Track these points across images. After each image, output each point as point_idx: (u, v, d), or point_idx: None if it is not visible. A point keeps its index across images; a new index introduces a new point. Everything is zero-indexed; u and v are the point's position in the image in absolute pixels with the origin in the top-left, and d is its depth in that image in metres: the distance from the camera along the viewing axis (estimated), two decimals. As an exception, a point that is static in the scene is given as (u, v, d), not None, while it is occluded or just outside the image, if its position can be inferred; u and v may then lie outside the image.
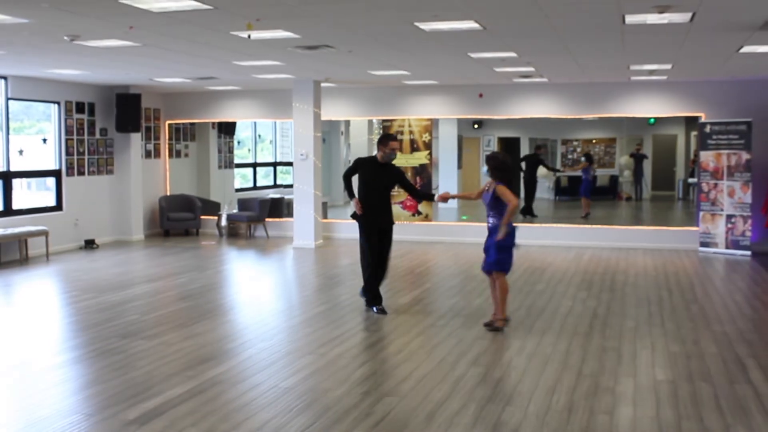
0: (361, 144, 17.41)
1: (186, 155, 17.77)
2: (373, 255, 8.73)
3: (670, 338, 7.69)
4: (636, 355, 7.04)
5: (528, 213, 16.87)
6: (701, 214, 14.01)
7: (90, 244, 14.83)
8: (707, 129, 13.90)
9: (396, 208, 16.00)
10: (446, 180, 18.00)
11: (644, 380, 6.25)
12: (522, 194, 17.03)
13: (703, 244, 13.98)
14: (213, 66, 11.98)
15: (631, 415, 5.42)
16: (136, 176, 15.99)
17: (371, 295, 8.88)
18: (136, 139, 15.98)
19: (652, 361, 6.86)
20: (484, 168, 8.00)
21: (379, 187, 8.69)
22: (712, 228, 13.88)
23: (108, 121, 15.57)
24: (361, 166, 8.75)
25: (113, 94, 15.41)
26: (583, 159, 17.89)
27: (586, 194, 17.32)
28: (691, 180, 17.34)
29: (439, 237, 15.60)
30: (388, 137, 8.76)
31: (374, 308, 8.86)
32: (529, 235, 14.95)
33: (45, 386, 6.11)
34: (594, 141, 18.59)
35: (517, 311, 8.79)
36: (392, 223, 8.85)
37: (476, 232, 15.29)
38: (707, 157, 13.91)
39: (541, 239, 15.08)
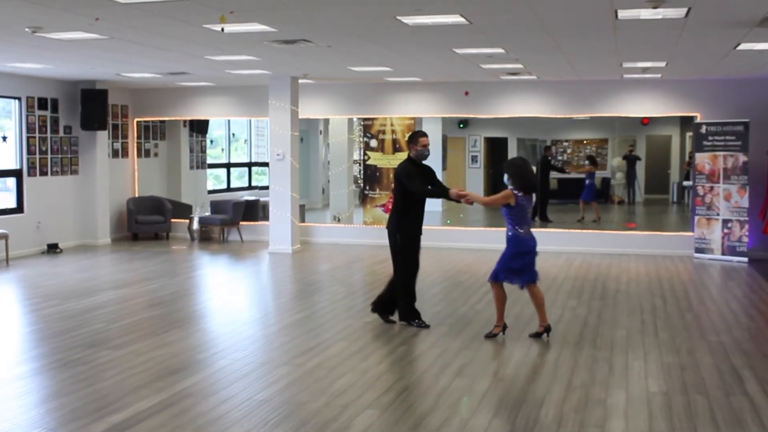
0: (341, 144, 17.41)
1: (155, 155, 17.69)
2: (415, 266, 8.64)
3: (664, 348, 7.74)
4: (628, 366, 7.07)
5: (543, 218, 16.88)
6: (696, 218, 14.10)
7: (53, 249, 14.73)
8: (703, 130, 14.01)
9: (376, 212, 16.02)
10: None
11: (637, 392, 6.28)
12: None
13: (699, 250, 14.07)
14: (184, 61, 11.94)
15: (623, 428, 5.45)
16: (102, 177, 15.91)
17: (411, 309, 8.66)
18: (102, 137, 15.90)
19: (645, 372, 6.89)
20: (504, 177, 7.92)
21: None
22: (707, 233, 13.98)
23: (72, 118, 15.48)
24: (413, 170, 8.38)
25: (78, 89, 15.32)
26: (587, 162, 17.87)
27: (590, 198, 17.31)
28: (686, 183, 17.46)
29: (423, 241, 15.57)
30: (417, 134, 8.52)
31: (415, 322, 8.58)
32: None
33: (4, 399, 6.06)
34: (585, 142, 18.69)
35: (505, 320, 8.80)
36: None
37: (461, 237, 15.33)
38: (703, 159, 14.01)
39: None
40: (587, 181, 17.49)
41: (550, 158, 17.96)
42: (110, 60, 11.88)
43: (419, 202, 8.49)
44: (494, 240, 14.78)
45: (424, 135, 8.56)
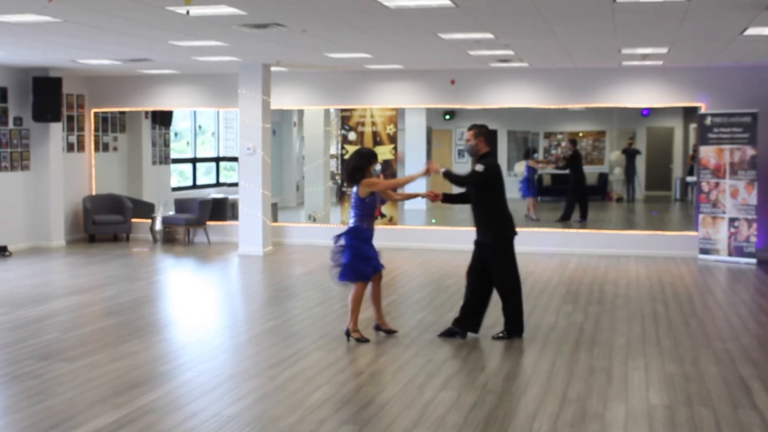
0: (317, 137, 17.38)
1: (115, 149, 17.61)
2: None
3: (666, 357, 7.77)
4: (628, 377, 7.09)
5: (584, 217, 16.94)
6: (701, 217, 14.17)
7: (1, 252, 14.63)
8: (708, 121, 14.08)
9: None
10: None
11: (637, 405, 6.31)
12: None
13: (703, 251, 14.14)
14: (146, 46, 11.89)
15: (622, 444, 5.47)
16: (56, 173, 15.81)
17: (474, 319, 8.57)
18: (56, 129, 15.80)
19: (646, 383, 6.92)
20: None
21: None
22: (712, 233, 14.05)
23: (23, 108, 15.38)
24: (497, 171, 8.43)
25: (29, 77, 15.21)
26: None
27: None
28: (689, 179, 17.54)
29: (406, 243, 15.61)
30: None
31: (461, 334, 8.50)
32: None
33: (-52, 416, 6.02)
34: (581, 134, 18.76)
35: (493, 327, 8.82)
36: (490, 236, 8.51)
37: (447, 238, 15.34)
38: (708, 153, 14.09)
39: (520, 245, 15.07)
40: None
41: (579, 152, 17.94)
42: (65, 45, 11.80)
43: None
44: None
45: (469, 128, 8.49)
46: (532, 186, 17.90)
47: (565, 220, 17.03)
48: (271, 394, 6.56)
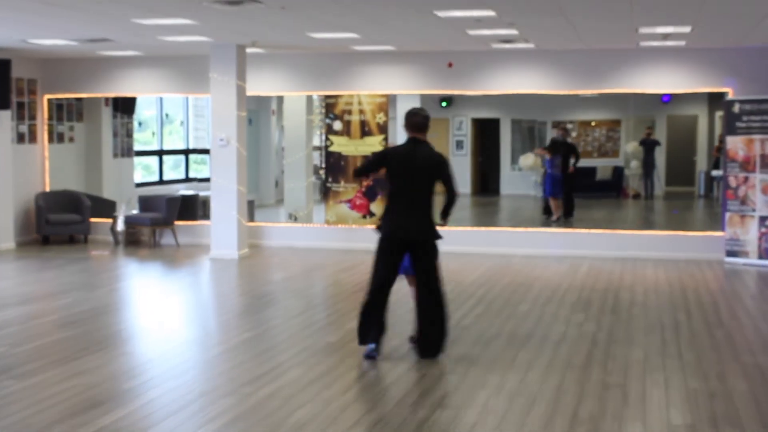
0: (298, 127, 17.37)
1: (71, 140, 17.57)
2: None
3: (689, 372, 7.78)
4: (646, 394, 7.11)
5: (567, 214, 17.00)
6: (728, 215, 14.21)
7: (-56, 256, 14.62)
8: (736, 108, 14.12)
9: (341, 209, 15.99)
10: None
11: (656, 425, 6.32)
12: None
13: (731, 254, 14.18)
14: (106, 25, 11.87)
15: (639, 468, 5.48)
16: (4, 167, 15.78)
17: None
18: (4, 118, 15.76)
19: (666, 401, 6.93)
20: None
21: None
22: (741, 233, 14.09)
23: (-32, 95, 15.36)
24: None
25: (-25, 60, 15.22)
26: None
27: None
28: (715, 173, 17.59)
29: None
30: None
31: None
32: (510, 242, 15.04)
33: None
34: (593, 123, 18.81)
35: (496, 339, 8.82)
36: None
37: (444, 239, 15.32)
38: (735, 144, 14.12)
39: (526, 247, 15.17)
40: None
41: (568, 140, 17.92)
42: (14, 22, 11.77)
43: None
44: (485, 242, 14.84)
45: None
46: (557, 182, 17.61)
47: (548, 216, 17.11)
48: (246, 414, 6.55)
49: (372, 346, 8.14)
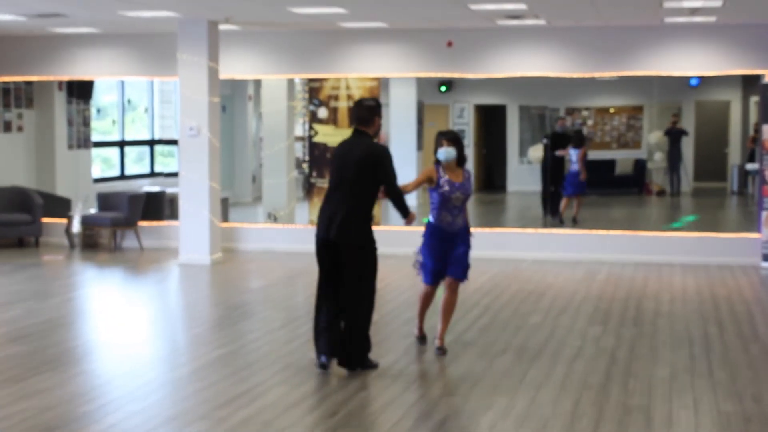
0: (278, 114, 17.36)
1: (19, 129, 17.54)
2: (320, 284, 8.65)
3: (721, 393, 7.80)
4: (672, 417, 7.12)
5: (554, 214, 17.03)
6: (764, 214, 14.24)
7: None
8: (772, 94, 14.17)
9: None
10: (401, 166, 17.96)
11: (684, 452, 6.34)
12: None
13: (767, 258, 14.23)
14: (60, -1, 11.87)
15: (665, 502, 5.50)
16: (-55, 160, 15.78)
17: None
18: (-56, 105, 15.78)
19: (695, 424, 6.95)
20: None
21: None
22: (778, 234, 14.14)
23: None
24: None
25: None
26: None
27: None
28: (749, 166, 17.61)
29: (391, 248, 15.59)
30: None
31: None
32: (518, 245, 15.05)
33: None
34: (612, 110, 18.83)
35: (503, 355, 8.84)
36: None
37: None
38: (772, 134, 14.18)
39: (537, 251, 15.19)
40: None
41: (567, 133, 18.00)
42: (-45, -2, 11.77)
43: None
44: (490, 246, 14.84)
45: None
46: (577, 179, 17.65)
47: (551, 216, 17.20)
48: (220, 441, 6.56)
49: (323, 359, 8.29)
